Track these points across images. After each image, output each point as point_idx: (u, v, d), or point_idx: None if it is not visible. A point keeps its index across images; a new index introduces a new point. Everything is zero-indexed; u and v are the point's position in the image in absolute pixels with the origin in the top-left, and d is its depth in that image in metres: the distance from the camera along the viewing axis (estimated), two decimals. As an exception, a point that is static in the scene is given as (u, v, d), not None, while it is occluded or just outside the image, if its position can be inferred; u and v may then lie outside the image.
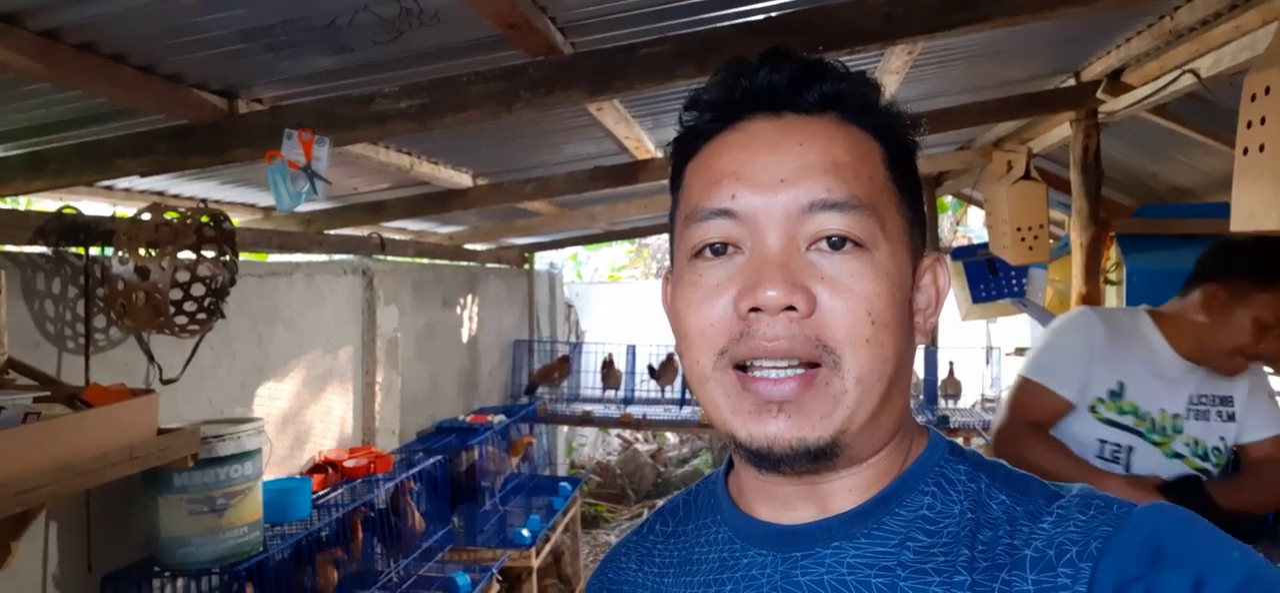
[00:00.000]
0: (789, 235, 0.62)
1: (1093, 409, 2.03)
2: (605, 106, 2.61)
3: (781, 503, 0.68)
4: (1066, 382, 2.00)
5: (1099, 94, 3.17)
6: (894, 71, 2.64)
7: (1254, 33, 2.33)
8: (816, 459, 0.62)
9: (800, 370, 0.61)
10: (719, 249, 0.65)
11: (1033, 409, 2.01)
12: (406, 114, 1.97)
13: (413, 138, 2.92)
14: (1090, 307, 2.19)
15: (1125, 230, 3.61)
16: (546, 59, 1.93)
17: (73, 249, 2.36)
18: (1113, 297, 3.59)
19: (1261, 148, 1.90)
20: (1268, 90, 1.89)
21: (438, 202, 3.73)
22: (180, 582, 2.56)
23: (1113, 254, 3.58)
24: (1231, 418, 1.94)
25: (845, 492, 0.66)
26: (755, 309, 0.61)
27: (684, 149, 0.71)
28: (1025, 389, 2.03)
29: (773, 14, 1.95)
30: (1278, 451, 1.92)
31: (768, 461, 0.63)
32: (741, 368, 0.63)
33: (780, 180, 0.63)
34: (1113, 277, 3.57)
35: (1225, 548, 0.56)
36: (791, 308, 0.60)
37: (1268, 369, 1.97)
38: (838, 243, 0.62)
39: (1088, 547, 0.57)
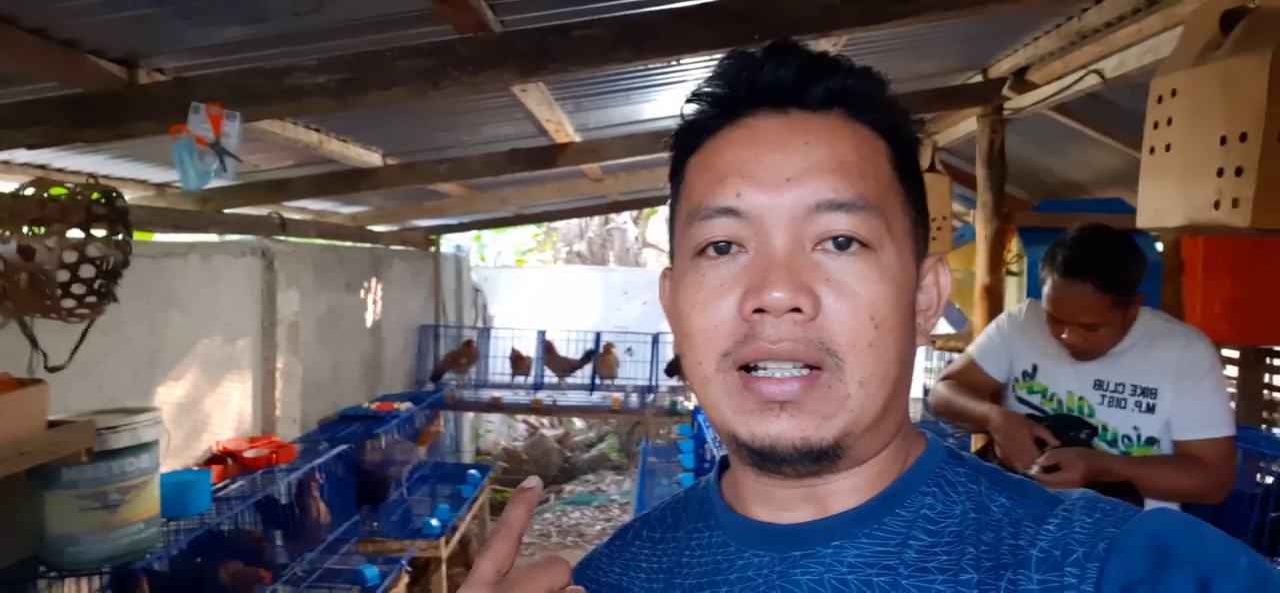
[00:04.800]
0: (794, 235, 0.61)
1: (1014, 387, 2.25)
2: (531, 88, 2.55)
3: (779, 505, 0.67)
4: (988, 360, 2.32)
5: (1005, 91, 3.27)
6: (817, 62, 2.66)
7: (1157, 36, 2.44)
8: (819, 460, 0.62)
9: (804, 372, 0.61)
10: (722, 247, 0.63)
11: (964, 376, 2.36)
12: (325, 90, 1.87)
13: (322, 114, 2.79)
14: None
15: (1027, 223, 3.75)
16: (476, 36, 1.86)
17: (-54, 226, 2.17)
18: (1013, 287, 3.73)
19: (1167, 148, 1.99)
20: (1174, 92, 1.97)
21: (345, 181, 3.59)
22: (68, 583, 2.39)
23: (1014, 246, 3.72)
24: (1151, 410, 2.01)
25: (845, 492, 0.66)
26: (759, 310, 0.60)
27: (685, 143, 0.69)
28: (963, 360, 2.41)
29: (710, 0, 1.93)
30: (1203, 451, 1.96)
31: (770, 460, 0.62)
32: (744, 369, 0.62)
33: (786, 179, 0.62)
34: (1014, 268, 3.71)
35: (1233, 553, 0.56)
36: (797, 310, 0.60)
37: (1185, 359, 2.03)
38: (844, 243, 0.61)
39: (1094, 548, 0.57)
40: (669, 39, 1.79)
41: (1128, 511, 0.60)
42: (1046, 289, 2.04)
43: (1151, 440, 2.02)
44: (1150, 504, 1.98)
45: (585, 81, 2.70)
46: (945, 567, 0.60)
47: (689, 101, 0.69)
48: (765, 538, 0.67)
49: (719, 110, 0.67)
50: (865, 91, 0.66)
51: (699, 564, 0.70)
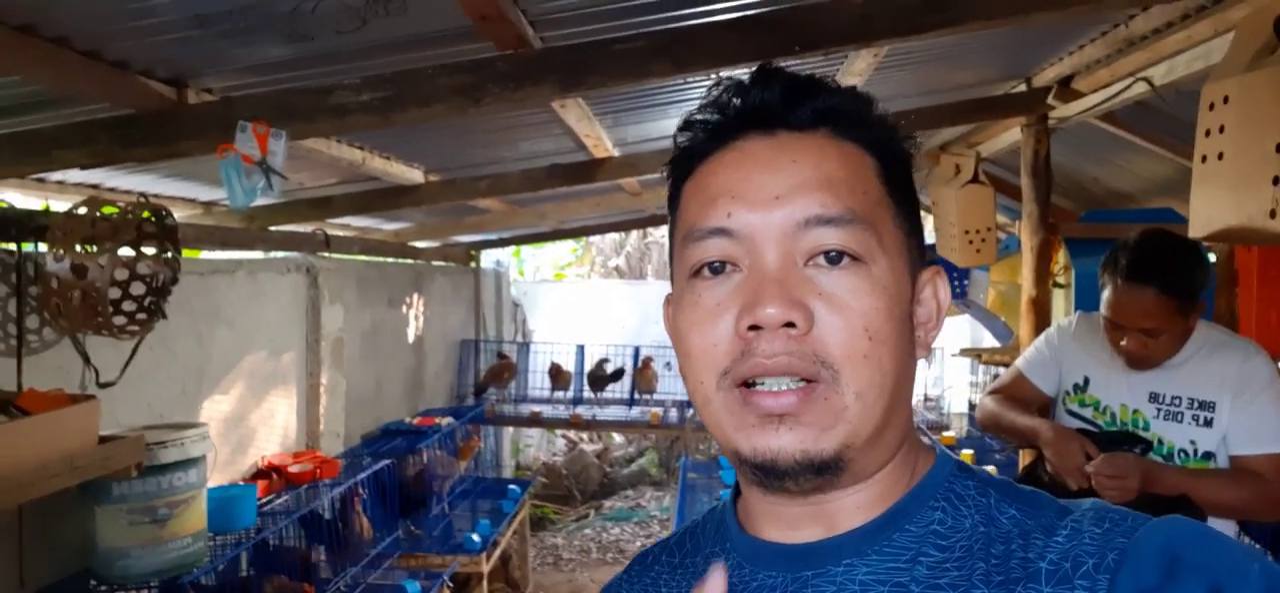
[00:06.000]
0: (786, 252, 0.63)
1: (1064, 401, 2.21)
2: (569, 103, 2.56)
3: (788, 524, 0.68)
4: (1037, 373, 2.28)
5: (1050, 100, 3.22)
6: (857, 74, 2.65)
7: (1207, 42, 2.38)
8: (821, 473, 0.62)
9: (800, 385, 0.61)
10: (717, 268, 0.65)
11: (1012, 389, 2.32)
12: (368, 107, 1.89)
13: (365, 131, 2.83)
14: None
15: (1074, 234, 3.68)
16: (516, 53, 1.87)
17: (3, 245, 2.23)
18: (1061, 299, 3.66)
19: (1220, 156, 1.93)
20: (1226, 99, 1.92)
21: (387, 198, 3.63)
22: (118, 596, 2.44)
23: (1061, 258, 3.65)
24: (1208, 423, 1.96)
25: (853, 510, 0.66)
26: (755, 327, 0.61)
27: (680, 170, 0.71)
28: (1011, 374, 2.37)
29: (748, 12, 1.93)
30: (1262, 467, 1.90)
31: (773, 474, 0.62)
32: (744, 386, 0.63)
33: (775, 197, 0.63)
34: (1061, 280, 3.64)
35: (1245, 560, 0.56)
36: (791, 325, 0.60)
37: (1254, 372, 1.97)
38: (835, 257, 0.62)
39: (1104, 559, 0.57)
40: (707, 52, 1.78)
41: (1137, 520, 0.59)
42: (1106, 294, 1.99)
43: (1208, 455, 1.96)
44: (1210, 521, 1.93)
45: (624, 96, 2.70)
46: (956, 582, 0.61)
47: (681, 130, 0.71)
48: (777, 559, 0.67)
49: (710, 136, 0.68)
50: (851, 110, 0.67)
51: None
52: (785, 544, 0.67)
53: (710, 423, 0.66)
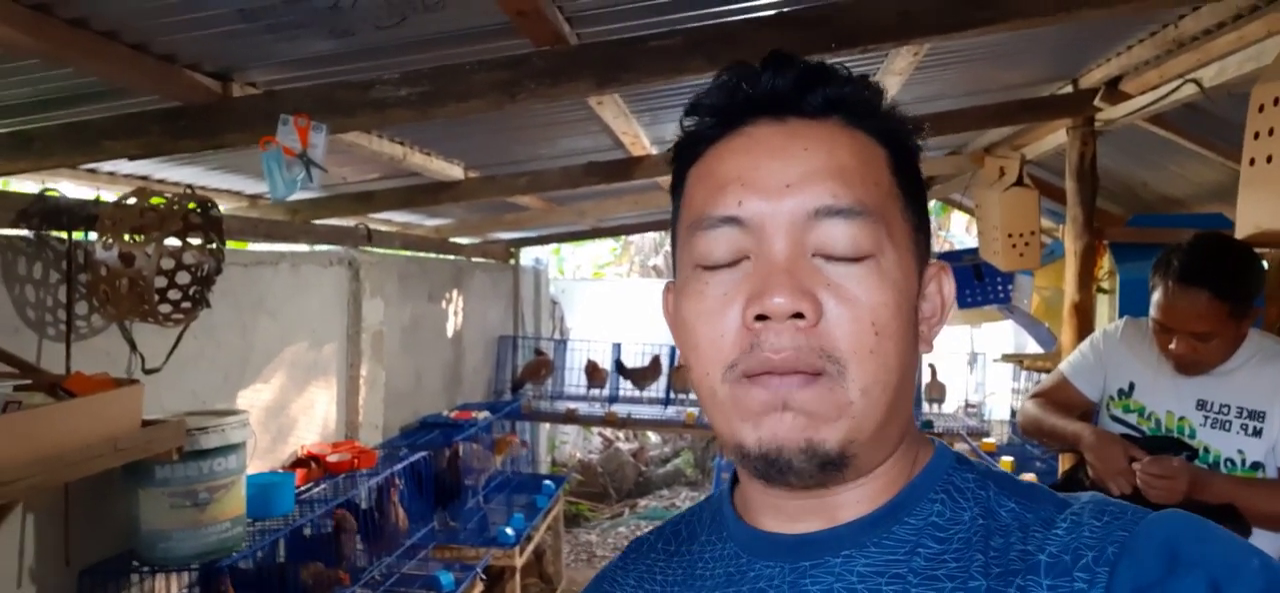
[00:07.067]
0: (795, 241, 0.62)
1: (1107, 406, 2.18)
2: (606, 100, 2.57)
3: (789, 516, 0.67)
4: (1081, 378, 2.26)
5: (1097, 101, 3.16)
6: (898, 72, 2.62)
7: (1259, 43, 2.32)
8: (825, 468, 0.62)
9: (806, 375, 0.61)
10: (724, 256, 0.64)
11: (1055, 394, 2.29)
12: (407, 102, 1.92)
13: (406, 127, 2.87)
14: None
15: (1119, 239, 3.62)
16: (552, 49, 1.88)
17: (55, 233, 2.29)
18: (1105, 305, 3.59)
19: (1269, 159, 1.88)
20: (1276, 101, 1.87)
21: (428, 193, 3.67)
22: (159, 577, 2.49)
23: (1105, 263, 3.58)
24: (1258, 433, 1.91)
25: (853, 503, 0.65)
26: (762, 317, 0.60)
27: (685, 154, 0.70)
28: (1054, 378, 2.35)
29: (786, 8, 1.92)
30: None
31: (776, 466, 0.61)
32: (748, 377, 0.63)
33: (786, 186, 0.62)
34: (1105, 285, 3.57)
35: (1244, 556, 0.55)
36: (799, 315, 0.60)
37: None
38: (844, 250, 0.62)
39: (1104, 552, 0.57)
40: (744, 48, 1.78)
41: (1137, 513, 0.59)
42: (1157, 296, 1.96)
43: (1257, 465, 1.92)
44: (1256, 531, 1.88)
45: (661, 93, 2.71)
46: (954, 574, 0.61)
47: (688, 113, 0.69)
48: (775, 549, 0.67)
49: (718, 120, 0.67)
50: (863, 99, 0.67)
51: (712, 576, 0.70)
52: (784, 535, 0.67)
53: (714, 416, 0.65)
